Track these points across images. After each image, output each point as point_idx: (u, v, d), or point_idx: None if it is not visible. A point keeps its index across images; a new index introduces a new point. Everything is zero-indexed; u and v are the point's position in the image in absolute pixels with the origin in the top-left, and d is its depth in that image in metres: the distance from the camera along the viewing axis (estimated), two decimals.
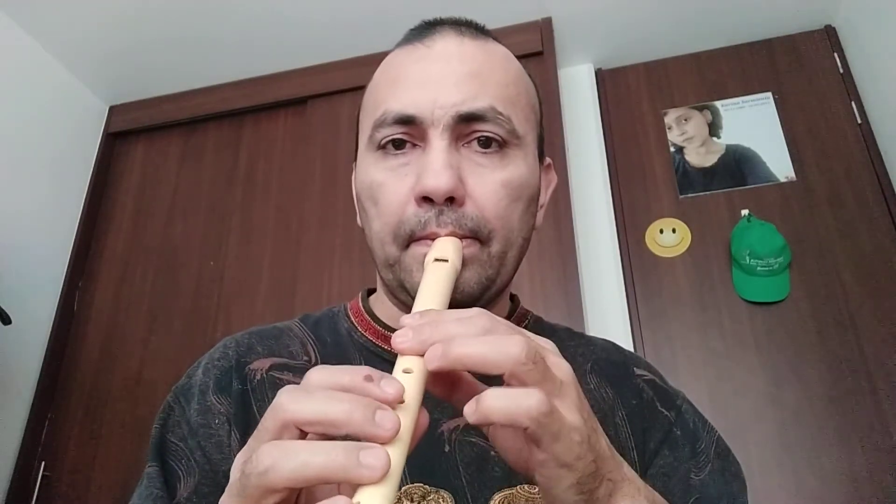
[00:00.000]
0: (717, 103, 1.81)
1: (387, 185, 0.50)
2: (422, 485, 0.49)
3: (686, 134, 1.80)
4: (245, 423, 0.51)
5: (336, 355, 0.57)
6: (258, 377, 0.55)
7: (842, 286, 1.53)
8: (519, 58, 0.58)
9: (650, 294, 1.65)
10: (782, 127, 1.72)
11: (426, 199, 0.48)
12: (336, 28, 1.76)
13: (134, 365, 1.70)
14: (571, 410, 0.35)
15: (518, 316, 0.62)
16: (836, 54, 1.75)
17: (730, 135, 1.76)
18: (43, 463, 1.64)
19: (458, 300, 0.48)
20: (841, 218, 1.59)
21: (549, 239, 1.50)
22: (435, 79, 0.50)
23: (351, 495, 0.29)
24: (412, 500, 0.48)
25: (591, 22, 1.77)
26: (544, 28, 1.72)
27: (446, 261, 0.45)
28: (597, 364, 0.59)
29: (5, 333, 1.53)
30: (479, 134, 0.50)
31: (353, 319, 0.60)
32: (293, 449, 0.29)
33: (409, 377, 0.34)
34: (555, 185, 0.62)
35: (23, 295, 1.66)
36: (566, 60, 1.88)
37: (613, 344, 0.65)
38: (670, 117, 1.83)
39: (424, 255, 0.47)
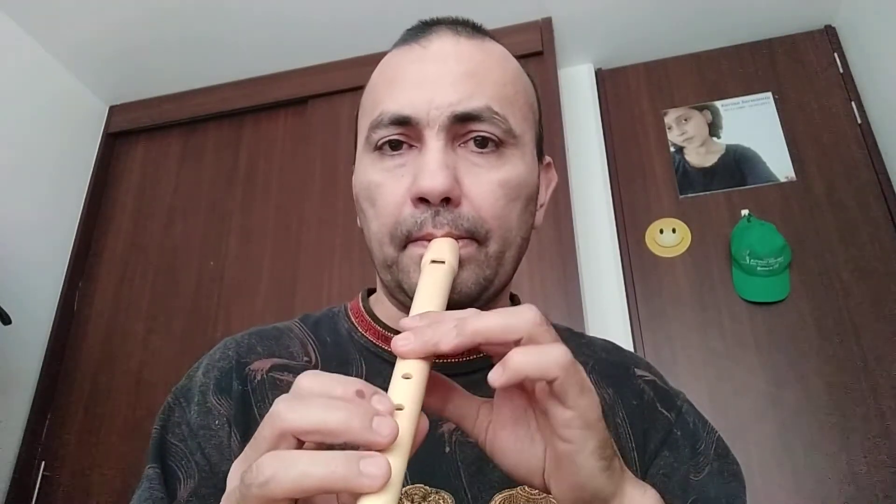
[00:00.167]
0: (717, 103, 1.80)
1: (384, 186, 0.50)
2: (422, 486, 0.49)
3: (686, 134, 1.80)
4: (245, 424, 0.51)
5: (336, 356, 0.57)
6: (258, 378, 0.55)
7: (842, 286, 1.53)
8: (519, 58, 0.57)
9: (650, 294, 1.65)
10: (782, 127, 1.72)
11: (422, 200, 0.48)
12: (336, 28, 1.76)
13: (134, 365, 1.70)
14: (584, 373, 0.35)
15: None
16: (836, 54, 1.75)
17: (730, 135, 1.76)
18: (43, 463, 1.64)
19: (457, 301, 0.48)
20: (841, 218, 1.59)
21: (549, 239, 1.49)
22: (431, 79, 0.50)
23: (352, 503, 0.28)
24: (412, 502, 0.48)
25: (591, 22, 1.77)
26: (544, 28, 1.72)
27: (443, 262, 0.45)
28: (597, 364, 0.59)
29: (5, 333, 1.53)
30: (475, 134, 0.50)
31: (353, 320, 0.60)
32: (293, 459, 0.29)
33: (408, 382, 0.34)
34: (555, 185, 0.62)
35: (23, 295, 1.66)
36: (566, 60, 1.88)
37: (614, 344, 0.65)
38: (670, 117, 1.83)
39: (421, 256, 0.47)
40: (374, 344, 0.57)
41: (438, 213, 0.48)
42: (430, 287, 0.43)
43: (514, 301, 0.64)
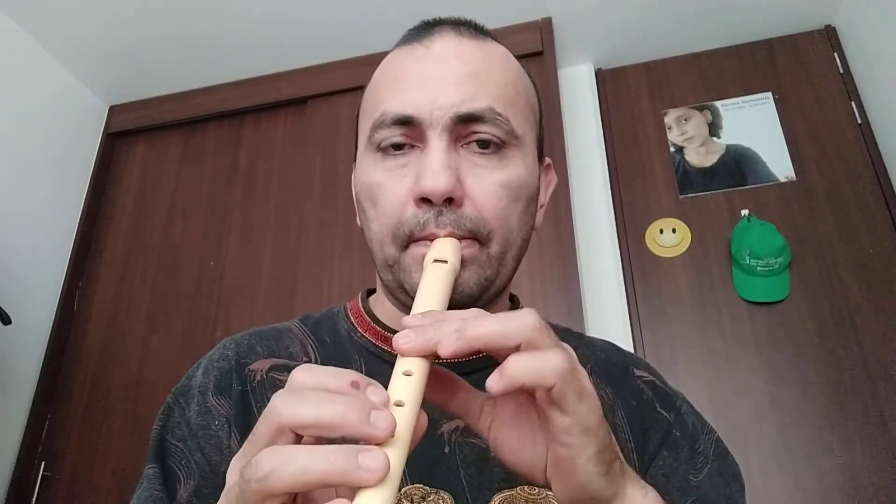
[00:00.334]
0: (717, 103, 1.80)
1: (385, 186, 0.50)
2: (422, 486, 0.49)
3: (686, 134, 1.80)
4: (245, 424, 0.51)
5: (336, 356, 0.57)
6: (258, 378, 0.55)
7: (842, 286, 1.53)
8: (519, 58, 0.57)
9: (650, 294, 1.65)
10: (782, 127, 1.72)
11: (425, 200, 0.48)
12: (336, 28, 1.76)
13: (134, 365, 1.70)
14: (585, 379, 0.35)
15: None
16: (836, 54, 1.75)
17: (730, 135, 1.76)
18: (43, 463, 1.64)
19: (458, 301, 0.48)
20: (841, 218, 1.59)
21: (549, 239, 1.49)
22: (434, 79, 0.50)
23: (350, 497, 0.28)
24: (412, 502, 0.48)
25: (591, 22, 1.77)
26: (544, 28, 1.72)
27: (445, 261, 0.45)
28: (597, 365, 0.59)
29: (5, 333, 1.53)
30: (477, 135, 0.50)
31: (352, 320, 0.60)
32: (292, 454, 0.29)
33: (408, 379, 0.34)
34: (555, 185, 0.62)
35: (23, 295, 1.67)
36: (566, 60, 1.88)
37: (613, 345, 0.65)
38: (670, 117, 1.83)
39: (423, 256, 0.47)
40: (374, 344, 0.57)
41: (441, 213, 0.48)
42: (432, 286, 0.43)
43: (514, 302, 0.64)
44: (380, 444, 0.30)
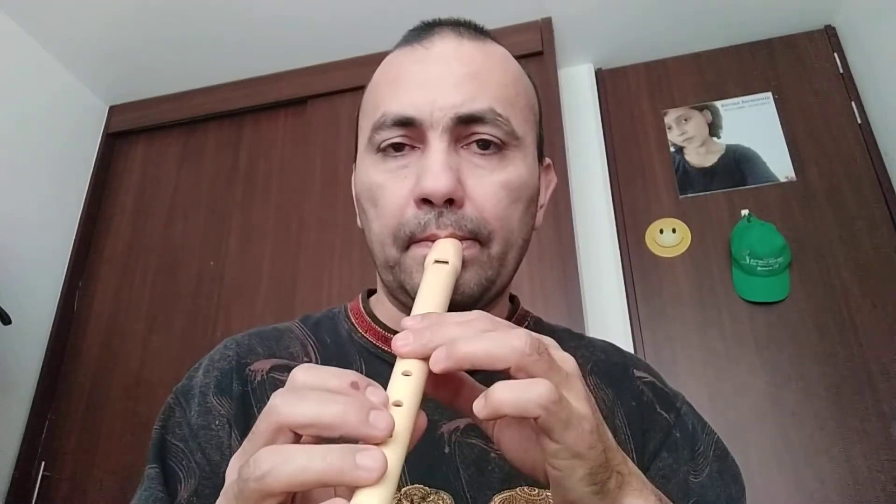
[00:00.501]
0: (717, 103, 1.80)
1: (386, 187, 0.50)
2: (422, 486, 0.49)
3: (686, 134, 1.80)
4: (245, 424, 0.51)
5: (336, 356, 0.57)
6: (259, 378, 0.55)
7: (842, 286, 1.53)
8: (519, 58, 0.57)
9: (650, 294, 1.65)
10: (782, 127, 1.72)
11: (426, 201, 0.48)
12: (336, 28, 1.76)
13: (134, 365, 1.70)
14: (579, 400, 0.35)
15: (518, 317, 0.62)
16: (836, 54, 1.75)
17: (730, 135, 1.76)
18: (43, 463, 1.64)
19: (458, 301, 0.48)
20: (841, 218, 1.59)
21: (549, 239, 1.49)
22: (434, 80, 0.50)
23: (348, 497, 0.29)
24: (412, 502, 0.48)
25: (591, 22, 1.77)
26: (544, 28, 1.72)
27: (446, 262, 0.45)
28: (597, 366, 0.59)
29: (5, 333, 1.53)
30: (477, 136, 0.50)
31: (353, 320, 0.60)
32: (290, 453, 0.29)
33: (407, 379, 0.34)
34: (554, 186, 0.62)
35: (23, 295, 1.66)
36: (566, 60, 1.88)
37: (613, 345, 0.65)
38: (670, 117, 1.83)
39: (424, 257, 0.47)
40: (374, 345, 0.57)
41: (442, 214, 0.48)
42: (433, 287, 0.43)
43: (514, 303, 0.64)
44: (378, 443, 0.30)
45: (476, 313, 0.37)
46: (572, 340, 0.63)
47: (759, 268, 1.54)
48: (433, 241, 0.48)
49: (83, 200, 1.92)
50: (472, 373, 0.40)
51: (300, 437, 0.31)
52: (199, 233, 1.82)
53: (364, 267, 1.59)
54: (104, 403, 1.68)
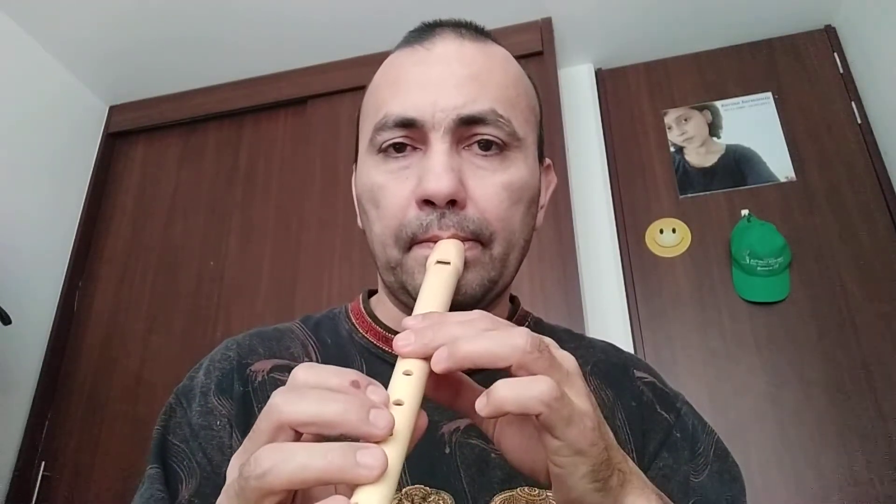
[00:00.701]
0: (717, 103, 1.81)
1: (388, 188, 0.50)
2: (422, 486, 0.49)
3: (686, 134, 1.80)
4: (246, 424, 0.51)
5: (337, 357, 0.57)
6: (259, 379, 0.55)
7: (842, 286, 1.53)
8: (519, 58, 0.57)
9: (650, 294, 1.65)
10: (782, 127, 1.72)
11: (427, 202, 0.48)
12: (336, 28, 1.76)
13: (134, 365, 1.70)
14: (580, 397, 0.35)
15: (518, 318, 0.62)
16: (836, 54, 1.75)
17: (730, 135, 1.76)
18: (43, 463, 1.64)
19: (460, 302, 0.48)
20: (841, 218, 1.59)
21: (549, 239, 1.50)
22: (435, 81, 0.50)
23: (349, 495, 0.29)
24: (412, 502, 0.48)
25: (591, 22, 1.77)
26: (544, 28, 1.72)
27: (448, 263, 0.45)
28: (597, 366, 0.59)
29: (5, 333, 1.53)
30: (479, 137, 0.50)
31: (353, 321, 0.60)
32: (291, 451, 0.29)
33: (408, 379, 0.34)
34: (554, 186, 0.62)
35: (23, 295, 1.67)
36: (566, 60, 1.88)
37: (613, 346, 0.65)
38: (670, 117, 1.83)
39: (426, 258, 0.47)
40: (375, 345, 0.57)
41: (444, 215, 0.48)
42: (435, 287, 0.43)
43: (514, 303, 0.64)
44: (379, 442, 0.30)
45: (477, 313, 0.37)
46: (572, 341, 0.63)
47: (759, 268, 1.54)
48: (435, 242, 0.48)
49: (83, 200, 1.92)
50: (471, 374, 0.40)
51: (301, 435, 0.31)
52: (199, 233, 1.82)
53: (364, 267, 1.59)
54: (104, 403, 1.68)
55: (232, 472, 0.33)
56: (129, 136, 2.04)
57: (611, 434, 0.38)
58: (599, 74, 1.93)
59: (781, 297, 1.54)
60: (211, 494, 0.49)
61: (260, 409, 0.52)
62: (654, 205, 1.74)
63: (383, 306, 0.59)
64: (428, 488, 0.49)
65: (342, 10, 1.70)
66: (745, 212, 1.64)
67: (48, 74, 1.85)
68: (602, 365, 0.60)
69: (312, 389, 0.32)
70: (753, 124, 1.75)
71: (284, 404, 0.31)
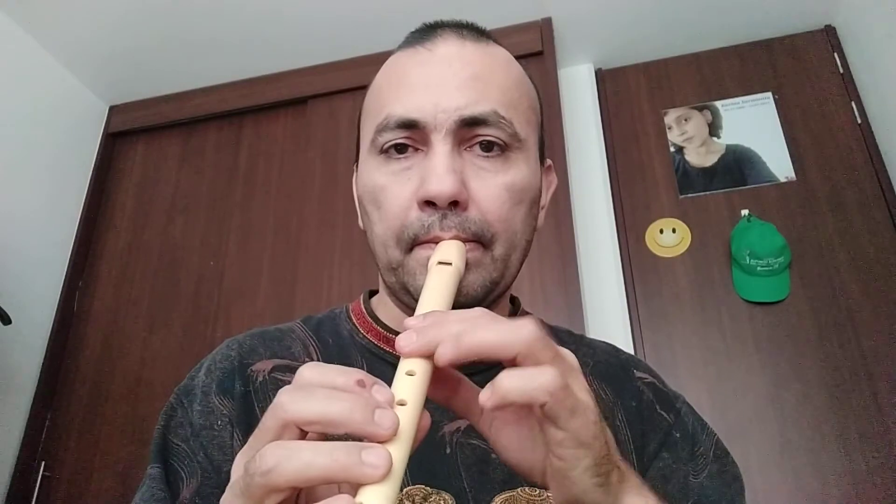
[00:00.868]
0: (717, 103, 1.81)
1: (389, 189, 0.50)
2: (423, 486, 0.49)
3: (686, 134, 1.80)
4: (247, 424, 0.51)
5: (338, 357, 0.57)
6: (260, 378, 0.55)
7: (842, 286, 1.53)
8: (519, 58, 0.57)
9: (650, 294, 1.65)
10: (782, 127, 1.72)
11: (429, 204, 0.48)
12: (336, 28, 1.76)
13: (134, 365, 1.70)
14: (582, 391, 0.35)
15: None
16: (836, 54, 1.75)
17: (730, 135, 1.76)
18: (43, 463, 1.64)
19: (462, 303, 0.48)
20: (841, 218, 1.59)
21: (549, 239, 1.50)
22: (437, 82, 0.50)
23: (353, 494, 0.29)
24: (413, 502, 0.48)
25: (591, 22, 1.77)
26: (544, 28, 1.72)
27: (450, 264, 0.45)
28: (597, 366, 0.60)
29: (5, 333, 1.53)
30: (481, 138, 0.50)
31: (354, 321, 0.60)
32: (296, 449, 0.29)
33: (411, 379, 0.34)
34: (555, 187, 0.62)
35: (23, 295, 1.66)
36: (566, 60, 1.88)
37: (613, 346, 0.65)
38: (670, 117, 1.83)
39: (428, 259, 0.47)
40: (376, 345, 0.57)
41: (446, 216, 0.48)
42: (437, 288, 0.43)
43: (515, 304, 0.64)
44: (383, 441, 0.30)
45: (478, 310, 0.37)
46: (572, 342, 0.63)
47: (759, 268, 1.54)
48: (436, 242, 0.48)
49: (83, 200, 1.92)
50: (470, 376, 0.40)
51: (306, 434, 0.31)
52: (199, 233, 1.82)
53: (364, 267, 1.59)
54: (104, 403, 1.68)
55: (237, 469, 0.33)
56: (129, 136, 2.04)
57: (609, 432, 0.38)
58: (599, 74, 1.93)
59: (781, 297, 1.54)
60: (212, 494, 0.49)
61: (261, 409, 0.52)
62: (654, 205, 1.74)
63: (384, 307, 0.59)
64: (429, 488, 0.49)
65: (342, 10, 1.70)
66: (745, 212, 1.64)
67: (48, 74, 1.85)
68: (602, 365, 0.60)
69: (318, 388, 0.32)
70: (753, 124, 1.75)
71: (290, 402, 0.31)
